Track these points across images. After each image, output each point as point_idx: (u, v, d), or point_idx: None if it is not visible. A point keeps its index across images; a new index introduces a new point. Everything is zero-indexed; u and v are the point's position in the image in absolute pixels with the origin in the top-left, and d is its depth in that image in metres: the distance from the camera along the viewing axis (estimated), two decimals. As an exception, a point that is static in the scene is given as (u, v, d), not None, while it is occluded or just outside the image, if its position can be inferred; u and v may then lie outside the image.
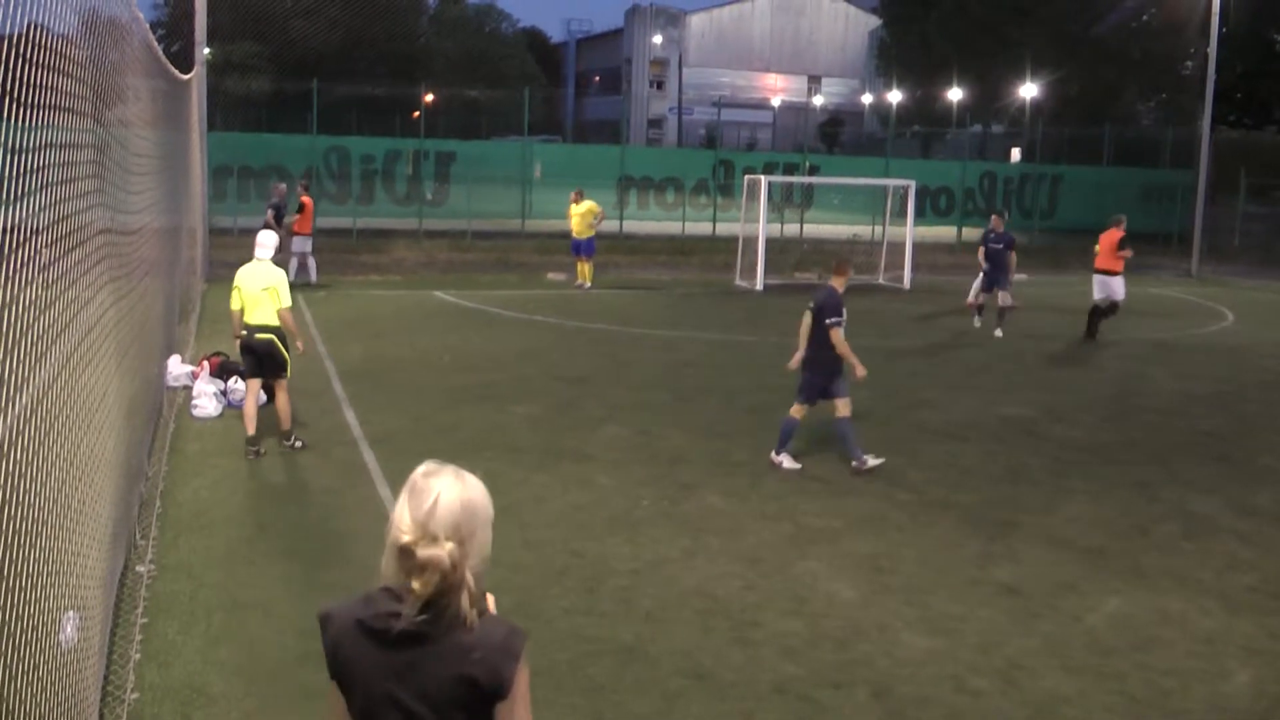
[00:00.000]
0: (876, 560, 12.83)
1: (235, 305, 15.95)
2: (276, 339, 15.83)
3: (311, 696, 9.18)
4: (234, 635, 10.32)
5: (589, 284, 34.99)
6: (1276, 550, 13.69)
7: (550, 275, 37.81)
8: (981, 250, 29.87)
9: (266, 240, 16.22)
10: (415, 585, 4.20)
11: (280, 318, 15.79)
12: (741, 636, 10.70)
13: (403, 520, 4.25)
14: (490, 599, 4.41)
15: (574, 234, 35.05)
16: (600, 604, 11.35)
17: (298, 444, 16.19)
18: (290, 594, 11.31)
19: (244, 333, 15.91)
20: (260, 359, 15.92)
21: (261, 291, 15.70)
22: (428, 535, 4.19)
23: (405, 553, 4.20)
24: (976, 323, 30.05)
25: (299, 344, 16.39)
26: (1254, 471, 17.21)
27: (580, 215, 34.27)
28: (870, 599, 11.76)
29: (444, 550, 4.17)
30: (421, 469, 4.35)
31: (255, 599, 11.16)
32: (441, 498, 4.24)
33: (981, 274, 29.80)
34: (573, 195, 35.49)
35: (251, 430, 15.90)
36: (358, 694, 4.39)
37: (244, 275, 15.94)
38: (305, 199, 32.81)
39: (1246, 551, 13.61)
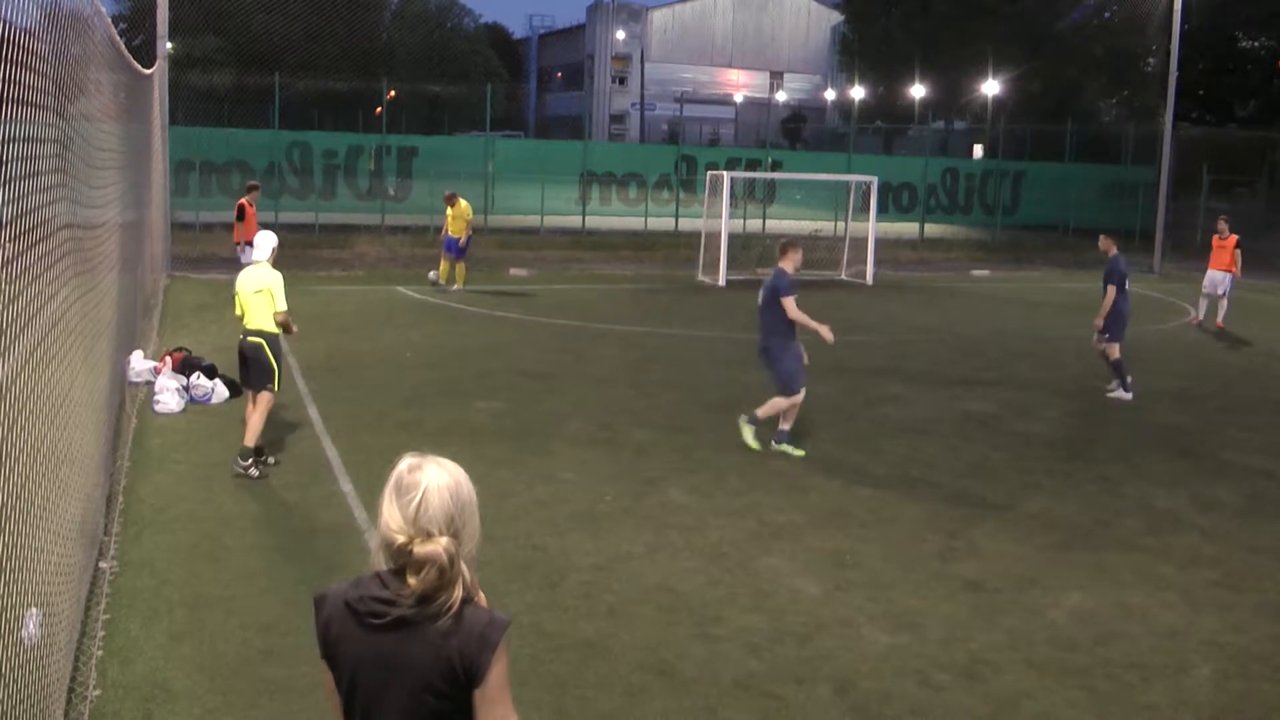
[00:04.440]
0: (839, 556, 12.85)
1: (237, 310, 15.30)
2: (265, 345, 15.02)
3: (274, 692, 9.17)
4: (196, 631, 10.29)
5: (460, 285, 33.39)
6: (1238, 545, 13.75)
7: (513, 271, 37.76)
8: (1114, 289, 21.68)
9: (262, 242, 15.36)
10: (412, 581, 4.23)
11: (277, 321, 15.05)
12: (704, 632, 10.70)
13: (393, 519, 4.24)
14: (481, 595, 4.43)
15: (450, 233, 33.41)
16: (562, 599, 11.35)
17: (253, 471, 14.92)
18: (252, 590, 11.29)
19: (240, 337, 15.26)
20: (248, 364, 15.22)
21: (255, 295, 14.98)
22: (422, 531, 4.20)
23: (401, 552, 4.22)
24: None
25: (293, 326, 15.36)
26: (1216, 466, 17.28)
27: (455, 218, 33.23)
28: (833, 594, 11.78)
29: (440, 545, 4.19)
30: (404, 464, 4.34)
31: (217, 595, 11.13)
32: (431, 492, 4.25)
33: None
34: (446, 197, 33.83)
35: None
36: (344, 674, 4.42)
37: (241, 279, 15.27)
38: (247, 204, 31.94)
39: (1209, 546, 13.67)
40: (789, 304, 16.28)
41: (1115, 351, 21.48)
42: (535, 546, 12.69)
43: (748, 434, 16.71)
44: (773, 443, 16.82)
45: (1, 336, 6.45)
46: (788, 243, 17.20)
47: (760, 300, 16.70)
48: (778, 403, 16.62)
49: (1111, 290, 21.37)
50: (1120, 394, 21.45)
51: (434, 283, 33.19)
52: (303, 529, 13.22)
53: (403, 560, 4.23)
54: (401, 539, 4.20)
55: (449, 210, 32.99)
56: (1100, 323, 21.45)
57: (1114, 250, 21.76)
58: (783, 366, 16.55)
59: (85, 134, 12.54)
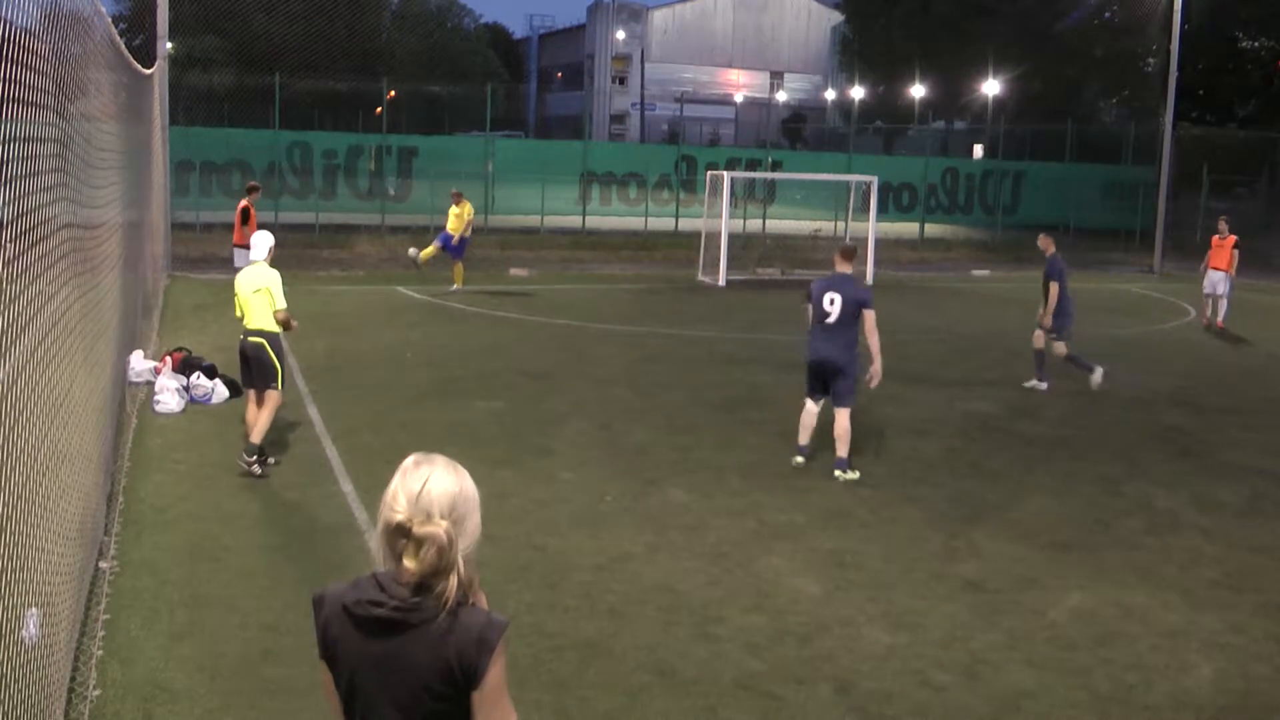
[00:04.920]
0: (840, 556, 12.85)
1: (237, 312, 15.33)
2: (267, 344, 15.03)
3: (274, 693, 9.17)
4: (196, 631, 10.29)
5: (458, 285, 33.02)
6: (1239, 545, 13.76)
7: (513, 271, 37.74)
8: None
9: (259, 242, 15.39)
10: (410, 564, 4.26)
11: (277, 319, 15.04)
12: (704, 632, 10.70)
13: (397, 500, 4.28)
14: (482, 596, 4.45)
15: (449, 229, 33.01)
16: (563, 599, 11.34)
17: (255, 469, 14.96)
18: (253, 590, 11.28)
19: (240, 337, 15.28)
20: (249, 364, 15.21)
21: (254, 294, 15.00)
22: (422, 512, 4.23)
23: (400, 530, 4.25)
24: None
25: (293, 323, 15.32)
26: (1216, 466, 17.29)
27: (457, 216, 32.76)
28: (833, 594, 11.78)
29: (440, 528, 4.22)
30: (411, 459, 4.40)
31: (218, 595, 11.13)
32: (435, 479, 4.30)
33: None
34: (453, 194, 33.52)
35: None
36: (343, 675, 4.45)
37: (240, 279, 15.29)
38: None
39: (1209, 546, 13.67)
40: (873, 318, 15.69)
41: (1063, 348, 21.73)
42: (535, 546, 12.69)
43: (853, 475, 15.72)
44: (836, 473, 15.81)
45: (3, 336, 6.45)
46: (853, 247, 16.75)
47: (837, 309, 15.61)
48: (848, 427, 15.85)
49: (1055, 288, 21.61)
50: (1097, 378, 21.89)
51: (414, 260, 32.69)
52: (303, 529, 13.22)
53: (401, 541, 4.27)
54: (401, 517, 4.24)
55: (454, 208, 32.78)
56: (1048, 320, 21.79)
57: (1053, 249, 22.06)
58: (851, 379, 15.90)
59: (85, 134, 12.54)
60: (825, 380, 16.02)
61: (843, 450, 15.81)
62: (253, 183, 32.87)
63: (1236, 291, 32.06)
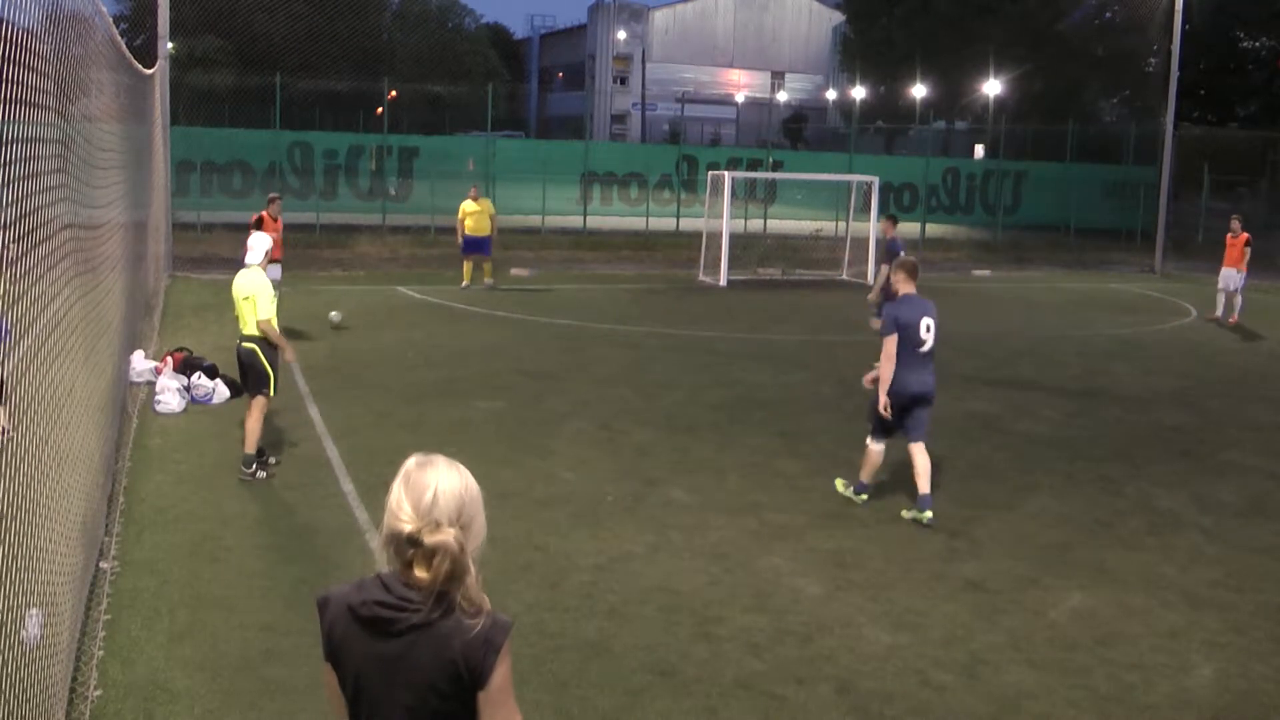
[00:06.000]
0: (840, 556, 12.84)
1: (235, 313, 15.11)
2: (259, 350, 14.79)
3: (274, 693, 9.17)
4: (197, 631, 10.28)
5: (491, 280, 33.28)
6: (1239, 545, 13.75)
7: (514, 271, 37.69)
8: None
9: (254, 244, 15.06)
10: (423, 574, 4.26)
11: (259, 329, 14.71)
12: (705, 632, 10.70)
13: (403, 509, 4.27)
14: (485, 599, 4.44)
15: (470, 232, 32.79)
16: (564, 599, 11.34)
17: (260, 474, 14.90)
18: (253, 590, 11.28)
19: (237, 341, 15.07)
20: (244, 369, 15.06)
21: (244, 301, 14.74)
22: (431, 522, 4.23)
23: (411, 541, 4.24)
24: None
25: (287, 354, 15.08)
26: (1217, 467, 17.27)
27: (475, 214, 32.65)
28: (834, 594, 11.77)
29: (450, 535, 4.22)
30: (413, 461, 4.39)
31: (218, 595, 11.12)
32: (441, 485, 4.29)
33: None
34: (471, 192, 33.46)
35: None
36: (348, 677, 4.46)
37: (234, 284, 15.01)
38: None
39: (1210, 546, 13.67)
40: None
41: None
42: (536, 546, 12.69)
43: (857, 495, 14.89)
44: (855, 491, 14.97)
45: (5, 339, 6.45)
46: (916, 262, 15.47)
47: (933, 336, 14.69)
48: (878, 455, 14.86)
49: (885, 269, 22.92)
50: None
51: (336, 324, 30.09)
52: (303, 529, 13.22)
53: (410, 552, 4.26)
54: (410, 528, 4.23)
55: (474, 205, 32.63)
56: (875, 296, 23.12)
57: (892, 233, 24.27)
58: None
59: (87, 134, 12.55)
60: (909, 413, 14.70)
61: (927, 486, 14.41)
62: (259, 213, 32.36)
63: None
